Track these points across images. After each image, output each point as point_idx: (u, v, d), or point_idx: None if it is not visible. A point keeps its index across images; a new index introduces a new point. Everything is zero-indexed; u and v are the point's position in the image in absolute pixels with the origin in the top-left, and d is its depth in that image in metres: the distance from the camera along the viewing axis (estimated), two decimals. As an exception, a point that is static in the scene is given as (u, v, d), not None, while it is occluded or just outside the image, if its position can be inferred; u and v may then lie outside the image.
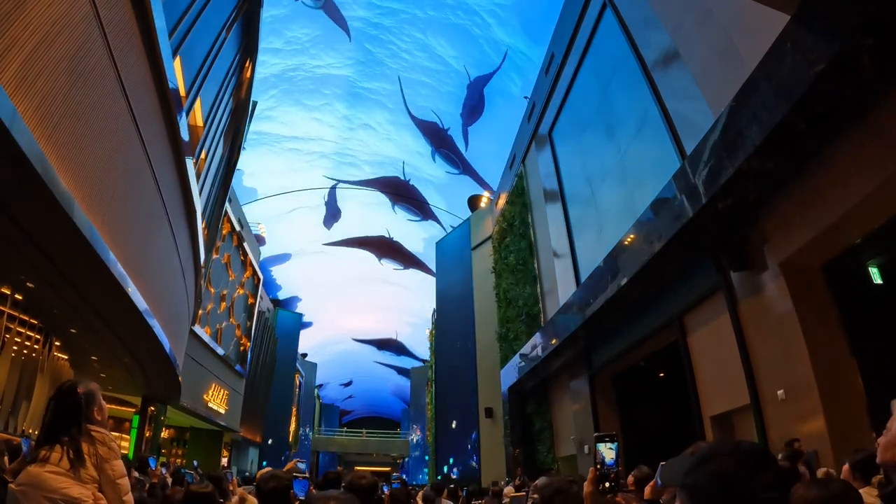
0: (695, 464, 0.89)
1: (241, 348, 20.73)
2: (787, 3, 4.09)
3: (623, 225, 7.77)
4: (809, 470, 3.98)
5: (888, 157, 4.00)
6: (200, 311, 14.72)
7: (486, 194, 22.38)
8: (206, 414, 16.92)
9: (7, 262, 5.82)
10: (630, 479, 2.88)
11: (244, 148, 14.89)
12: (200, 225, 10.49)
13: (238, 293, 19.86)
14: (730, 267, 5.86)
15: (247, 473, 15.40)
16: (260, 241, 25.07)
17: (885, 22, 3.45)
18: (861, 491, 1.76)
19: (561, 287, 11.49)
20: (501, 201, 17.30)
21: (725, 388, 6.25)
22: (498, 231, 16.84)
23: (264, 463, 24.91)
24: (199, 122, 9.44)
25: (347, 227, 28.64)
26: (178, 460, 18.72)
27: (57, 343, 9.71)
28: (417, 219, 28.07)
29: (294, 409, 30.87)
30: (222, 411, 18.29)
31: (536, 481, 4.31)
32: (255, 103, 14.36)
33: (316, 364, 37.07)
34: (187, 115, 7.76)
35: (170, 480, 5.88)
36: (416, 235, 29.15)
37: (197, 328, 14.64)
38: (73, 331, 8.67)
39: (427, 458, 25.93)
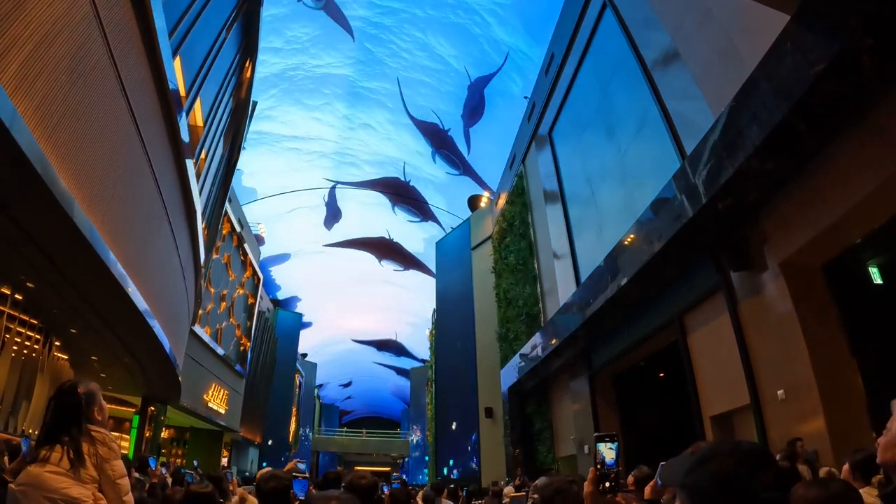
0: (695, 464, 0.89)
1: (241, 348, 20.73)
2: (787, 3, 4.09)
3: (623, 225, 7.78)
4: (812, 469, 3.98)
5: (888, 157, 4.00)
6: (200, 311, 14.72)
7: (486, 194, 22.34)
8: (206, 414, 16.92)
9: (7, 262, 5.82)
10: (630, 479, 2.88)
11: (244, 148, 14.88)
12: (200, 225, 10.49)
13: (238, 293, 19.86)
14: (730, 267, 5.86)
15: (247, 473, 15.39)
16: (260, 241, 25.06)
17: (885, 22, 3.45)
18: (861, 491, 1.76)
19: (561, 287, 11.49)
20: (501, 201, 17.30)
21: (725, 388, 6.25)
22: (498, 231, 16.83)
23: (264, 463, 24.90)
24: (199, 122, 9.44)
25: (348, 227, 28.63)
26: (178, 460, 18.71)
27: (57, 343, 9.71)
28: (417, 220, 28.06)
29: (294, 410, 30.86)
30: (222, 411, 18.29)
31: (536, 481, 4.31)
32: (255, 103, 14.36)
33: (316, 364, 37.06)
34: (187, 115, 7.76)
35: (170, 480, 5.88)
36: (416, 236, 29.14)
37: (197, 328, 14.65)
38: (73, 331, 8.68)
39: (427, 458, 25.93)
